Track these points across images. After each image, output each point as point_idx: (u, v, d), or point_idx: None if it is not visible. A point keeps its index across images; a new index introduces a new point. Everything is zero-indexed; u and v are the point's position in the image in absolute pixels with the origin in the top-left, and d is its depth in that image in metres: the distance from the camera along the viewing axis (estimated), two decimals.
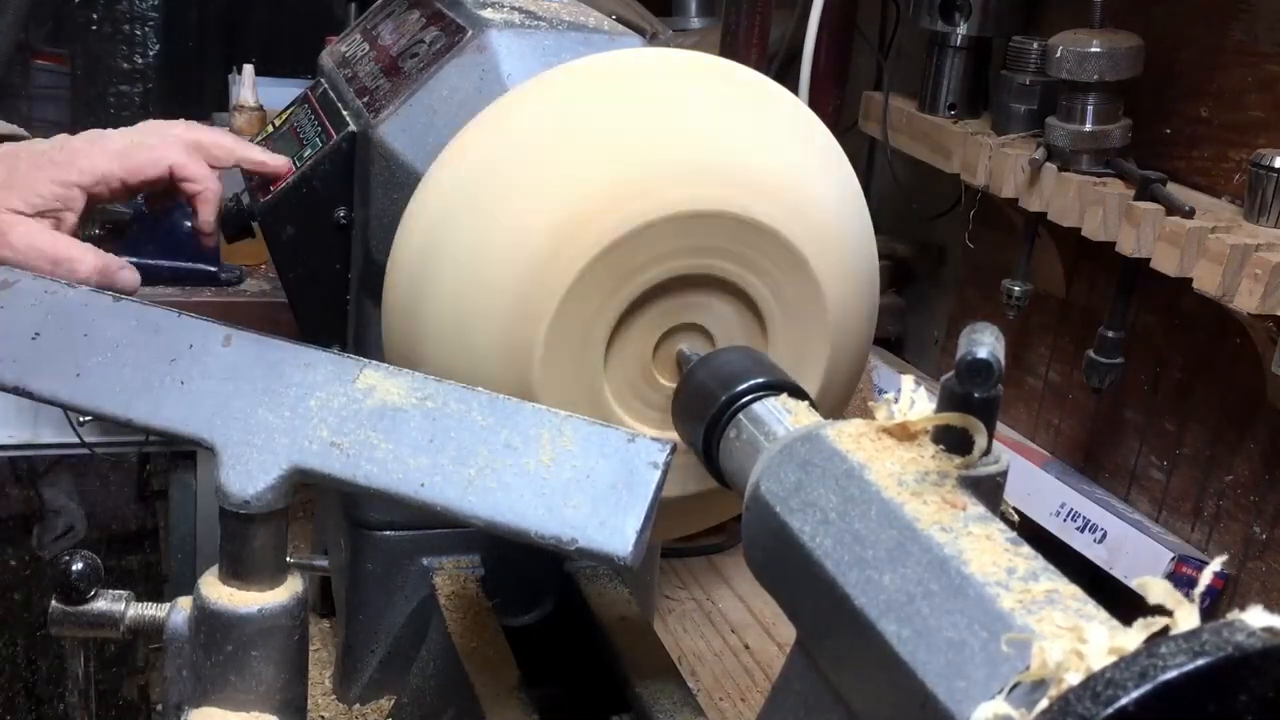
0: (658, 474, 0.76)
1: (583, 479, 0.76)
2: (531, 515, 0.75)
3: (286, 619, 0.78)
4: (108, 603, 0.80)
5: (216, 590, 0.77)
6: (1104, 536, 1.38)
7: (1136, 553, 1.34)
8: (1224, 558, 1.32)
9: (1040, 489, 1.47)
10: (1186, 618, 0.44)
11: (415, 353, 0.94)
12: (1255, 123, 1.26)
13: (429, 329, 0.91)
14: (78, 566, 0.79)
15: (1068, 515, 1.43)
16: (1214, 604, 1.32)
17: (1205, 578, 0.55)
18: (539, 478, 0.76)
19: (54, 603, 0.79)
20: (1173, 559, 1.31)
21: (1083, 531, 1.40)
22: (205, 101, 3.26)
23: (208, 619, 0.77)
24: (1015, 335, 1.61)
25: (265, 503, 0.75)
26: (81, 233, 1.03)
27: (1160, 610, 0.45)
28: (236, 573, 0.77)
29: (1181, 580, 1.30)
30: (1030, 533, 0.57)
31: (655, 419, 0.92)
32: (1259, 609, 0.42)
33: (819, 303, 0.91)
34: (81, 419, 1.71)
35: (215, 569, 0.78)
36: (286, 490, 0.76)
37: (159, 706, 0.91)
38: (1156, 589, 0.45)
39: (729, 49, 1.64)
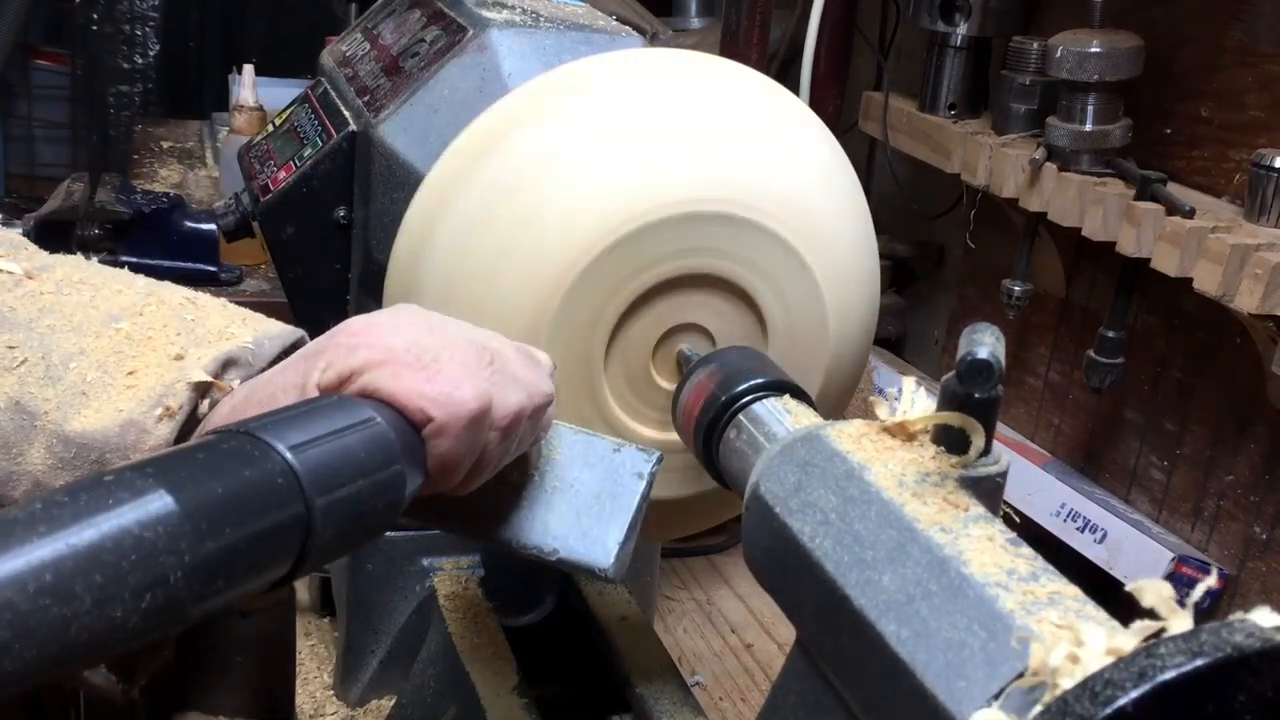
0: (643, 485, 0.76)
1: (566, 488, 0.75)
2: (513, 524, 0.74)
3: (271, 625, 0.78)
4: None
5: None
6: (1104, 537, 1.38)
7: (1137, 553, 1.34)
8: (1219, 572, 1.32)
9: (1040, 489, 1.47)
10: (1179, 625, 0.44)
11: None
12: (1255, 123, 1.26)
13: None
14: None
15: (1068, 515, 1.43)
16: (1214, 604, 1.32)
17: (1202, 587, 0.55)
18: (522, 486, 0.75)
19: None
20: (1173, 559, 1.31)
21: (1083, 532, 1.40)
22: (205, 101, 3.27)
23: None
24: (1015, 335, 1.61)
25: None
26: (84, 233, 0.99)
27: (1155, 614, 0.45)
28: None
29: (1181, 580, 1.30)
30: (1030, 533, 0.57)
31: (655, 419, 0.92)
32: (1266, 609, 0.42)
33: (819, 303, 0.91)
34: None
35: None
36: None
37: None
38: (1149, 594, 0.45)
39: (729, 49, 1.64)
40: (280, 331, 0.70)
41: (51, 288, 0.68)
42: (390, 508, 0.57)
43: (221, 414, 0.63)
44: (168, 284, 0.72)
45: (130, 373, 0.64)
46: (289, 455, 0.51)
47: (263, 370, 0.67)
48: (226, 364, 0.65)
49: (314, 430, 0.54)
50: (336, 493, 0.53)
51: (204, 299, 0.71)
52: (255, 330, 0.68)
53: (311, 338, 0.67)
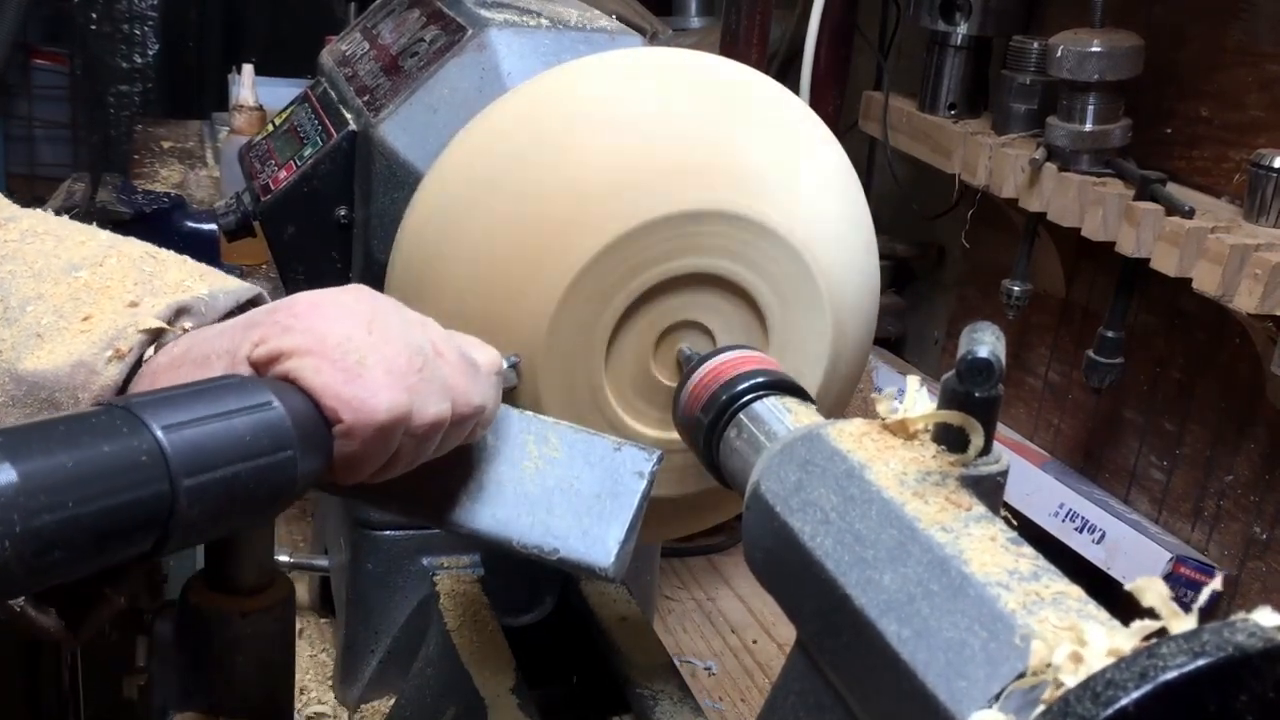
0: (643, 484, 0.75)
1: (566, 487, 0.75)
2: (513, 524, 0.74)
3: (271, 624, 0.77)
4: None
5: (200, 595, 0.77)
6: (1103, 537, 1.38)
7: (1135, 553, 1.34)
8: (1218, 581, 1.32)
9: (1039, 489, 1.47)
10: (1179, 625, 0.44)
11: None
12: (1255, 123, 1.26)
13: None
14: None
15: (1067, 515, 1.43)
16: (1214, 604, 1.32)
17: (1208, 590, 0.55)
18: (522, 485, 0.75)
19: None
20: (1171, 559, 1.31)
21: (1082, 532, 1.40)
22: (205, 101, 3.27)
23: (191, 623, 0.76)
24: (1015, 335, 1.61)
25: None
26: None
27: (1154, 614, 0.45)
28: (221, 577, 0.77)
29: (1180, 581, 1.30)
30: (1029, 533, 0.57)
31: (655, 418, 0.92)
32: (1268, 609, 0.42)
33: (819, 302, 0.91)
34: None
35: (201, 573, 0.78)
36: None
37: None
38: (1149, 593, 0.45)
39: (729, 49, 1.64)
40: (236, 287, 0.71)
41: (16, 236, 0.70)
42: (275, 492, 0.58)
43: (160, 364, 0.65)
44: (131, 239, 0.73)
45: (85, 318, 0.65)
46: (159, 433, 0.52)
47: (215, 322, 0.68)
48: (179, 312, 0.67)
49: (199, 410, 0.54)
50: (209, 474, 0.53)
51: (165, 254, 0.73)
52: (211, 285, 0.70)
53: None
